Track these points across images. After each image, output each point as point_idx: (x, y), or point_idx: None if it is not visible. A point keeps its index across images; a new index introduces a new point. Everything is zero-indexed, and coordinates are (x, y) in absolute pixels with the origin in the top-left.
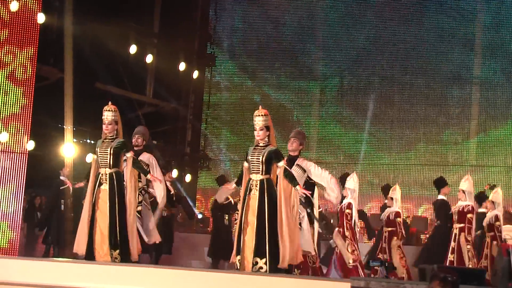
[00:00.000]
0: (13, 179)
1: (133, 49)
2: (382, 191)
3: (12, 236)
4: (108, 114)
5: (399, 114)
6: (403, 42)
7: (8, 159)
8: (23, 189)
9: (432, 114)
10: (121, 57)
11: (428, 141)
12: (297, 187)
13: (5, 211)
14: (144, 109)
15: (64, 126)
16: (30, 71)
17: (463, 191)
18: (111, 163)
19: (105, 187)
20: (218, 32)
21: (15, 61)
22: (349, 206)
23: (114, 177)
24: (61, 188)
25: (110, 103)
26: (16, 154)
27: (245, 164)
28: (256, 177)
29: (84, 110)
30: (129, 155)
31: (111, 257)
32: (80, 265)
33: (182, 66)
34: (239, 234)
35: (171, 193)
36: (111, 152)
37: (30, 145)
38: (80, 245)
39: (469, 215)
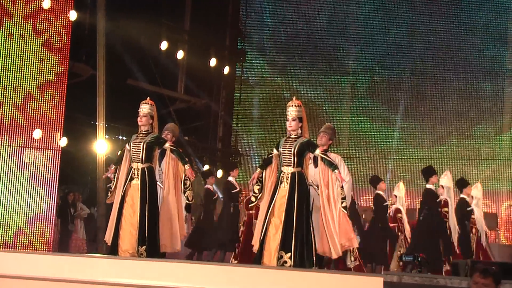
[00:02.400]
0: (46, 176)
1: (164, 45)
2: (370, 183)
3: (46, 232)
4: (145, 107)
5: (431, 108)
6: (435, 36)
7: (42, 156)
8: (57, 185)
9: (464, 108)
10: (152, 54)
11: (460, 135)
12: (336, 171)
13: (40, 208)
14: (175, 105)
15: (97, 123)
16: (65, 39)
17: (443, 187)
18: (143, 158)
19: (137, 181)
20: (249, 28)
21: (51, 28)
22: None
23: (146, 172)
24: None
25: (148, 98)
26: (49, 151)
27: (274, 151)
28: (287, 170)
29: (116, 106)
30: (167, 145)
31: (137, 252)
32: (109, 260)
33: (213, 62)
34: (264, 226)
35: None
36: (144, 146)
37: (63, 141)
38: (110, 234)
39: (444, 209)
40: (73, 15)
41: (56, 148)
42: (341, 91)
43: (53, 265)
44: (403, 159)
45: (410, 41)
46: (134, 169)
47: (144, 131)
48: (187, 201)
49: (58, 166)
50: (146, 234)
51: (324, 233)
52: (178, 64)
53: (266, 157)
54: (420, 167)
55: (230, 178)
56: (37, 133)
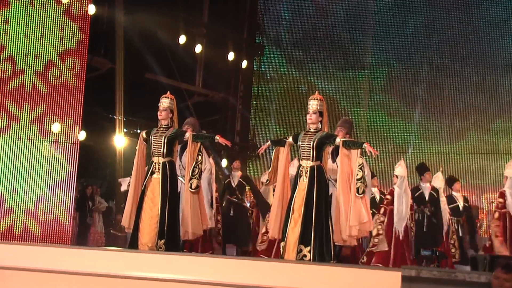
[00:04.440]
0: (65, 169)
1: (182, 39)
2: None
3: (65, 225)
4: (165, 101)
5: (449, 103)
6: (453, 30)
7: (61, 149)
8: (75, 178)
9: (483, 102)
10: (170, 47)
11: (479, 130)
12: (364, 144)
13: (59, 201)
14: (193, 99)
15: (115, 117)
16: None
17: (397, 176)
18: (164, 152)
19: (158, 176)
20: (266, 22)
21: None
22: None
23: (167, 166)
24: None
25: (168, 92)
26: (68, 144)
27: (290, 139)
28: (307, 164)
29: (134, 100)
30: (188, 134)
31: (156, 245)
32: (126, 254)
33: (231, 56)
34: (286, 221)
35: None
36: (165, 141)
37: (82, 135)
38: (128, 219)
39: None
40: (91, 9)
41: (74, 142)
42: (358, 86)
43: (72, 258)
44: (421, 153)
45: (427, 35)
46: (155, 163)
47: (165, 125)
48: (190, 189)
49: (77, 159)
50: (165, 228)
51: (337, 218)
52: (196, 58)
53: (280, 138)
54: (438, 162)
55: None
56: (56, 127)
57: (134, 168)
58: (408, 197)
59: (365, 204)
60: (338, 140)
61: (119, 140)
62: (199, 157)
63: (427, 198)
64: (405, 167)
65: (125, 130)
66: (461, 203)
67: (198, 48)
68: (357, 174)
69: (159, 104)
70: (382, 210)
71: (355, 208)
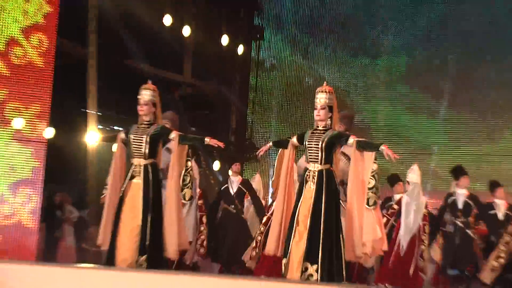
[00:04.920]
0: (30, 173)
1: (167, 20)
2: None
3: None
4: (146, 93)
5: (481, 97)
6: (489, 9)
7: (24, 149)
8: (42, 184)
9: None
10: (153, 30)
11: None
12: (382, 146)
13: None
14: (180, 91)
15: (88, 111)
16: None
17: (408, 183)
18: (146, 152)
19: (138, 180)
20: (266, 1)
21: None
22: None
23: (150, 169)
24: None
25: (149, 82)
26: (33, 143)
27: (294, 140)
28: (314, 167)
29: (111, 92)
30: (174, 135)
31: (136, 263)
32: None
33: (225, 40)
34: (289, 234)
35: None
36: (148, 140)
37: (49, 132)
38: (104, 237)
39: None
40: None
41: (40, 140)
42: (374, 76)
43: (38, 277)
44: (448, 155)
45: (458, 15)
46: (136, 165)
47: (146, 122)
48: (183, 201)
49: (44, 161)
50: (148, 242)
51: (348, 233)
52: (184, 43)
53: (284, 138)
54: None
55: (230, 173)
56: (18, 122)
57: (111, 176)
58: (421, 206)
59: (378, 218)
60: (352, 140)
61: (93, 139)
62: (189, 162)
63: (460, 206)
64: (419, 173)
65: (99, 127)
66: (501, 212)
67: (186, 31)
68: (369, 183)
69: (138, 97)
70: (383, 220)
71: (366, 222)
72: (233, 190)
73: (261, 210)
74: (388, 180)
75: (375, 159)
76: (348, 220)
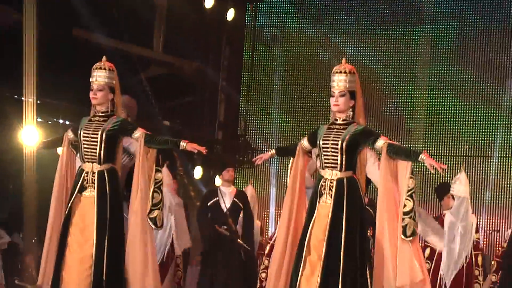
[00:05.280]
0: None
1: None
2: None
3: None
4: (100, 75)
5: None
6: None
7: None
8: None
9: None
10: None
11: None
12: (422, 155)
13: None
14: (150, 71)
15: (23, 98)
16: None
17: (453, 197)
18: (102, 154)
19: (91, 193)
20: None
21: None
22: None
23: (107, 178)
24: None
25: (104, 58)
26: None
27: (304, 142)
28: (331, 175)
29: (55, 73)
30: (138, 133)
31: None
32: None
33: (209, 2)
34: (297, 265)
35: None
36: (104, 137)
37: None
38: (48, 273)
39: None
40: None
41: None
42: (413, 51)
43: None
44: None
45: None
46: (87, 172)
47: (102, 113)
48: (153, 227)
49: None
50: (104, 275)
51: (377, 273)
52: (155, 6)
53: (289, 145)
54: None
55: (218, 182)
56: None
57: (56, 187)
58: (470, 228)
59: (417, 252)
60: (381, 142)
61: (30, 136)
62: (159, 174)
63: None
64: (467, 183)
65: (39, 120)
66: None
67: None
68: (405, 205)
69: (91, 80)
70: (427, 252)
71: (402, 257)
72: (225, 205)
73: (251, 236)
74: (436, 191)
75: (412, 173)
76: (377, 255)
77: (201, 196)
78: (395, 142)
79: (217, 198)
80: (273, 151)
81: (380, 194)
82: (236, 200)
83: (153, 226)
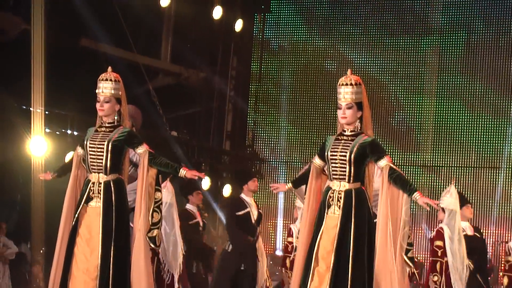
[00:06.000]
0: None
1: None
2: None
3: None
4: (106, 86)
5: None
6: None
7: None
8: None
9: None
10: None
11: None
12: (416, 194)
13: None
14: (158, 81)
15: (31, 108)
16: None
17: (443, 210)
18: (108, 165)
19: (97, 203)
20: None
21: None
22: None
23: (113, 188)
24: None
25: (110, 69)
26: None
27: (316, 160)
28: (339, 186)
29: (62, 82)
30: (142, 150)
31: None
32: None
33: (217, 13)
34: (305, 276)
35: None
36: (110, 148)
37: None
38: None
39: None
40: None
41: None
42: (421, 62)
43: None
44: None
45: None
46: (94, 183)
47: (109, 123)
48: (153, 246)
49: None
50: (110, 286)
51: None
52: (163, 17)
53: (301, 172)
54: None
55: (243, 195)
56: None
57: (67, 202)
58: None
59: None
60: (383, 163)
61: (38, 146)
62: (158, 193)
63: None
64: (456, 196)
65: (47, 130)
66: None
67: (165, 1)
68: (408, 234)
69: (97, 91)
70: (438, 266)
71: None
72: (254, 216)
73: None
74: None
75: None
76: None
77: (228, 205)
78: (396, 167)
79: (248, 210)
80: (290, 184)
81: (380, 214)
82: (260, 212)
83: (152, 245)
